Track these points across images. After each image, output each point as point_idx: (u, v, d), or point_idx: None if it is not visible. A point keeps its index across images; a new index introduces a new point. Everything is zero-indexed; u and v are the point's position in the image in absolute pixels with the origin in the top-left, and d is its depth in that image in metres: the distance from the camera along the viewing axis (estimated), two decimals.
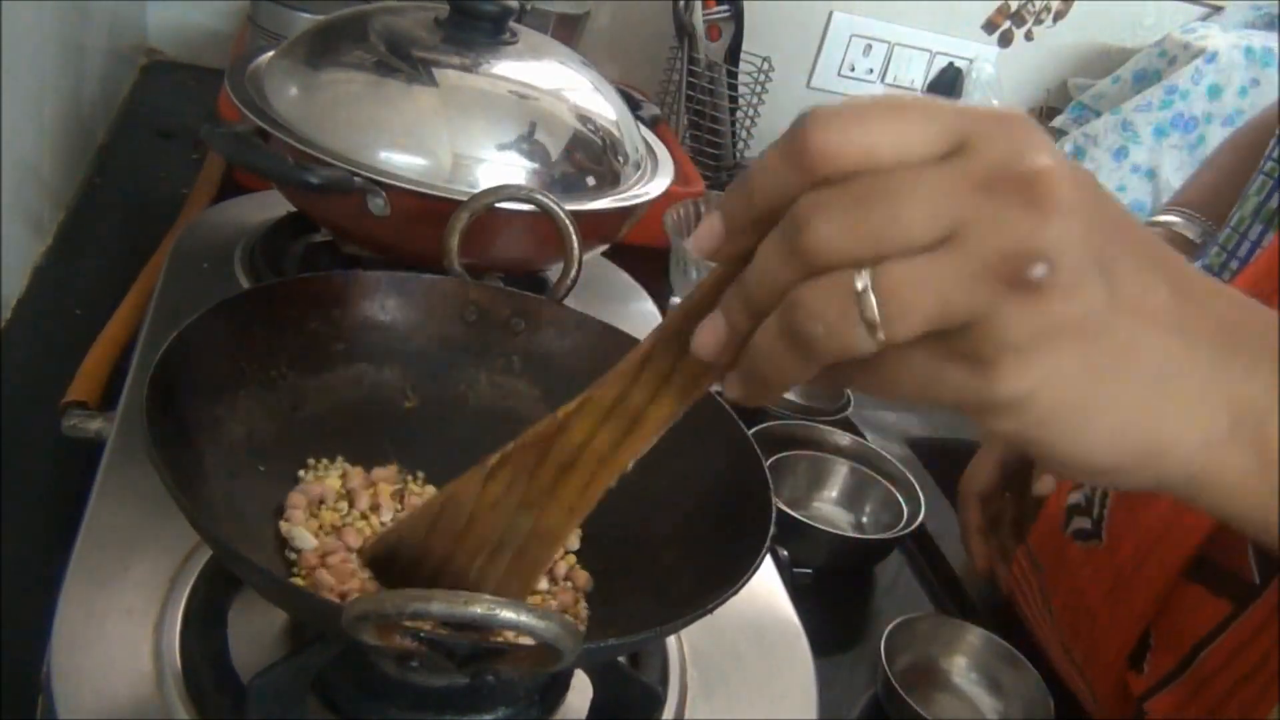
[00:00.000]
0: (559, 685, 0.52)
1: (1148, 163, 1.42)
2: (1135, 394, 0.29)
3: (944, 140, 0.28)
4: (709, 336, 0.30)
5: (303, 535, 0.52)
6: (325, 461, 0.57)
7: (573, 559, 0.55)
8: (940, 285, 0.27)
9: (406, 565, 0.44)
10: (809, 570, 0.70)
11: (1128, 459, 0.30)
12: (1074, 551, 0.68)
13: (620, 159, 0.78)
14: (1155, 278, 0.30)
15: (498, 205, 0.66)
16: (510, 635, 0.39)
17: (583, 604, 0.54)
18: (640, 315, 0.90)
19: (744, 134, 1.46)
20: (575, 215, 0.66)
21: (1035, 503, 0.73)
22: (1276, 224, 0.69)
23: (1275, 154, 0.71)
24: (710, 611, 0.43)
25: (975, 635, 0.68)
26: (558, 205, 0.65)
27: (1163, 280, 0.30)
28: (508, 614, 0.36)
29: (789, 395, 0.92)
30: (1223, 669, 0.55)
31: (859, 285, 0.27)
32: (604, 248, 0.83)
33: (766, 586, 0.63)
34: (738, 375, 0.31)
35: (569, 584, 0.54)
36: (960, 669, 0.68)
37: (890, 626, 0.65)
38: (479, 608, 0.35)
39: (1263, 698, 0.52)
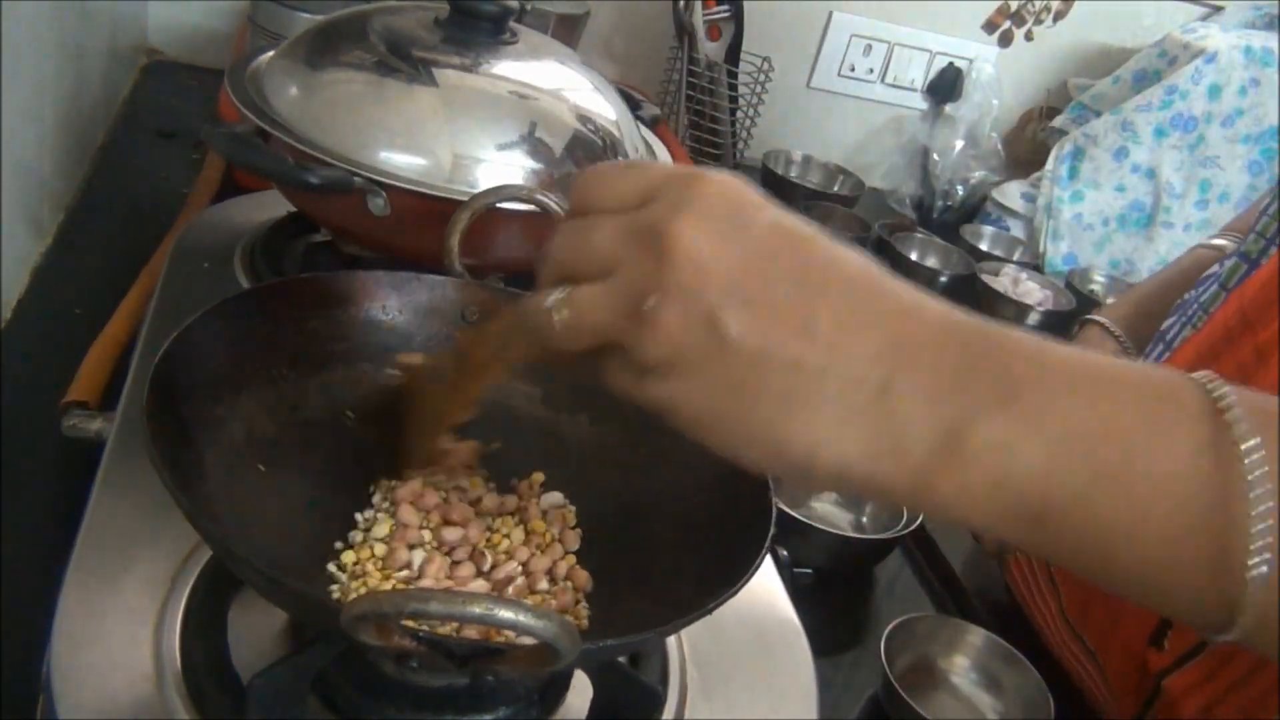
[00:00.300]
0: (559, 685, 0.52)
1: (1148, 163, 1.42)
2: (765, 409, 0.34)
3: (639, 194, 0.36)
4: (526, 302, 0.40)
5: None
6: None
7: (572, 559, 0.55)
8: (597, 310, 0.35)
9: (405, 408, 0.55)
10: (809, 570, 0.70)
11: (791, 466, 0.35)
12: None
13: (620, 159, 0.78)
14: (801, 308, 0.33)
15: (498, 205, 0.66)
16: (511, 635, 0.39)
17: (583, 604, 0.54)
18: None
19: (744, 134, 1.46)
20: None
21: None
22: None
23: None
24: (710, 612, 0.43)
25: (975, 635, 0.68)
26: (559, 205, 0.65)
27: (816, 311, 0.34)
28: (506, 614, 0.36)
29: None
30: (1240, 650, 0.55)
31: (550, 302, 0.36)
32: None
33: (766, 586, 0.63)
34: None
35: (569, 584, 0.54)
36: (960, 669, 0.68)
37: (890, 626, 0.65)
38: (477, 608, 0.35)
39: None
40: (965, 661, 0.68)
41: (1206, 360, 0.63)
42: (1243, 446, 0.31)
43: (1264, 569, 0.31)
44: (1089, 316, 0.91)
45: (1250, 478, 0.31)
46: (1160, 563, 0.33)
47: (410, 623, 0.39)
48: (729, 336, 0.33)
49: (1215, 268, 0.79)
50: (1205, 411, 0.32)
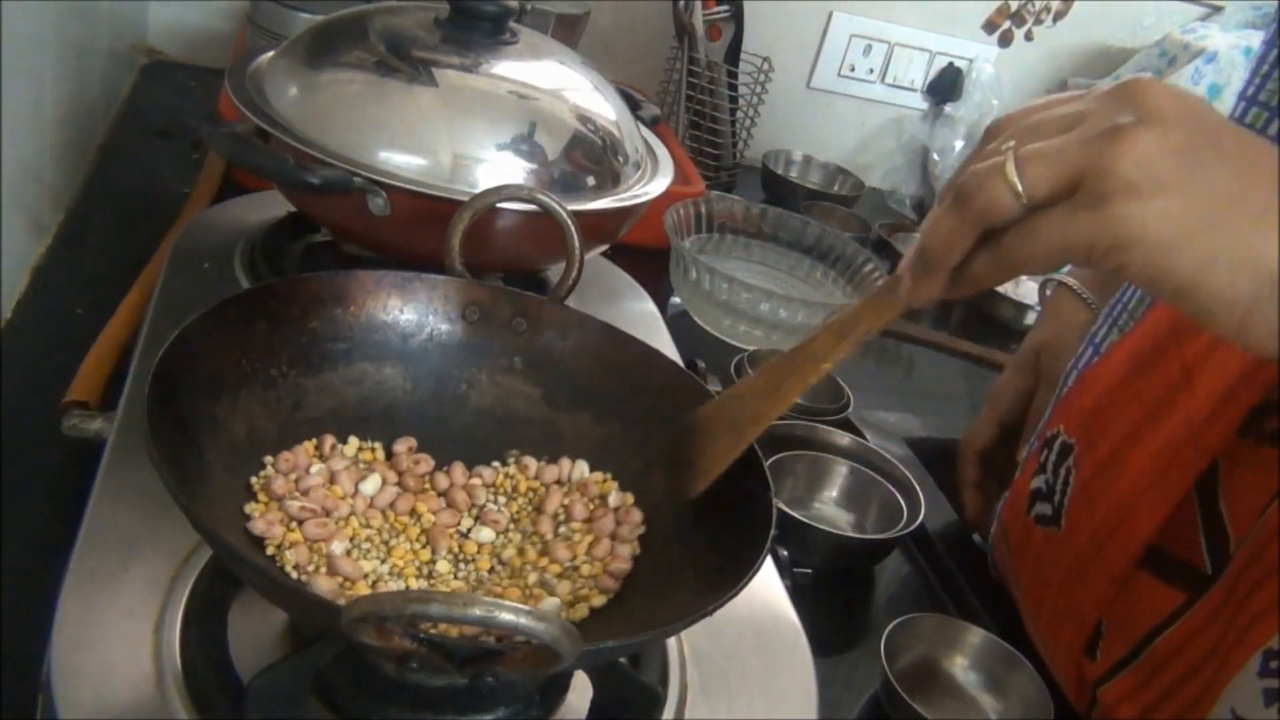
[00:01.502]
0: (559, 685, 0.52)
1: None
2: (1245, 223, 0.36)
3: (1081, 95, 0.39)
4: (904, 263, 0.43)
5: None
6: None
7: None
8: (1062, 150, 0.36)
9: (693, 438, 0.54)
10: (809, 570, 0.70)
11: (1250, 284, 0.37)
12: (1037, 535, 0.69)
13: (620, 159, 0.78)
14: (1255, 144, 0.38)
15: (499, 205, 0.66)
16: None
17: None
18: (640, 315, 0.90)
19: (744, 134, 1.46)
20: (576, 215, 0.66)
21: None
22: None
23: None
24: (711, 613, 0.43)
25: (975, 635, 0.68)
26: (559, 205, 0.65)
27: (1263, 154, 0.38)
28: (506, 616, 0.36)
29: None
30: (1174, 657, 0.57)
31: (1007, 154, 0.37)
32: (604, 248, 0.83)
33: (766, 586, 0.63)
34: (912, 267, 0.42)
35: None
36: (960, 669, 0.68)
37: (890, 626, 0.65)
38: (478, 609, 0.36)
39: (1211, 685, 0.54)
40: (965, 661, 0.68)
41: (1137, 372, 0.63)
42: None
43: None
44: (1058, 279, 0.92)
45: None
46: None
47: (410, 624, 0.39)
48: (1208, 163, 0.36)
49: None
50: None
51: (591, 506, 0.57)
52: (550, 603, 0.52)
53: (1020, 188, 0.37)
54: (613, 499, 0.57)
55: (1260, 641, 0.51)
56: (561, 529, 0.56)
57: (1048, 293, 0.94)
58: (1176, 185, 0.36)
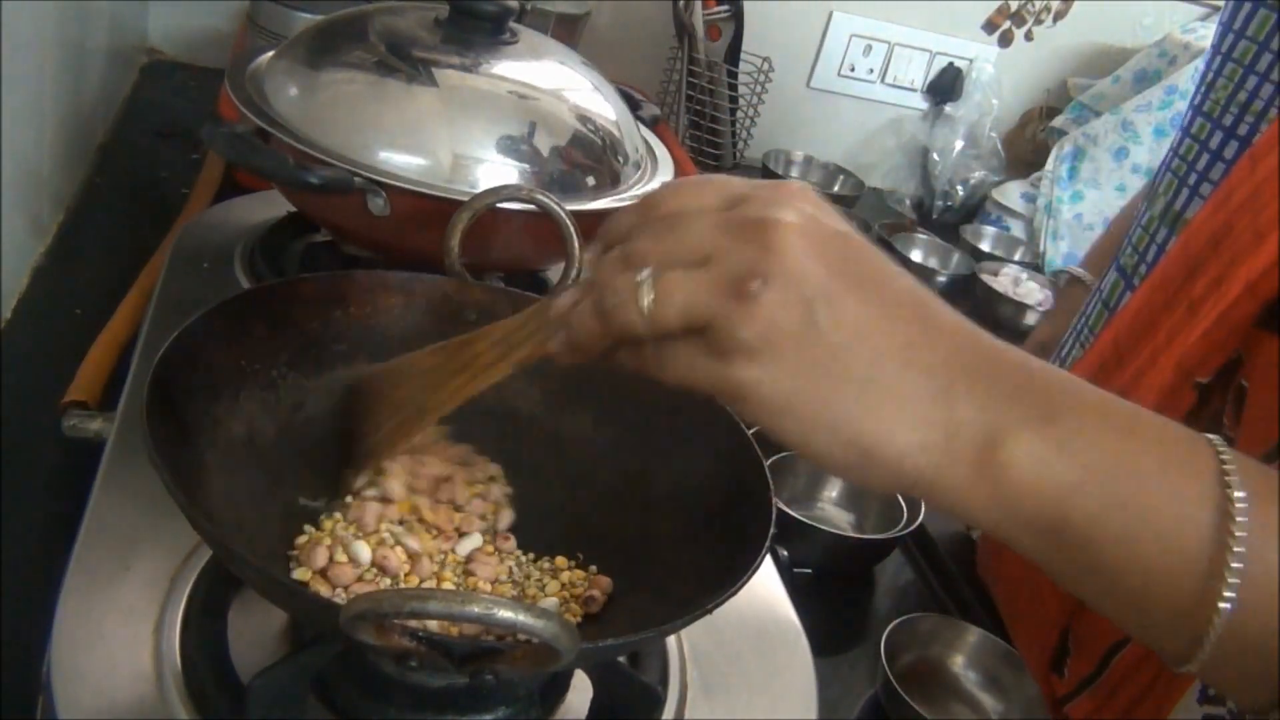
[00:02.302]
0: (559, 685, 0.52)
1: (1148, 163, 1.42)
2: (844, 397, 0.36)
3: (730, 198, 0.38)
4: (562, 301, 0.42)
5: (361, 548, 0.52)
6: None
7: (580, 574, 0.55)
8: (692, 289, 0.36)
9: (364, 404, 0.55)
10: (809, 570, 0.70)
11: (847, 453, 0.37)
12: (1009, 552, 0.69)
13: (620, 159, 0.78)
14: (882, 311, 0.37)
15: (498, 205, 0.66)
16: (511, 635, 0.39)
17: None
18: None
19: (744, 134, 1.46)
20: (576, 215, 0.66)
21: None
22: (1178, 227, 0.69)
23: (1181, 150, 0.71)
24: (710, 611, 0.43)
25: (975, 635, 0.68)
26: (559, 205, 0.65)
27: (895, 316, 0.37)
28: (505, 613, 0.36)
29: None
30: (1129, 677, 0.57)
31: (641, 278, 0.37)
32: None
33: (766, 586, 0.63)
34: (563, 336, 0.42)
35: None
36: (960, 669, 0.68)
37: (890, 626, 0.65)
38: (476, 607, 0.36)
39: (1161, 708, 0.54)
40: (965, 661, 0.68)
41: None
42: (1235, 495, 0.35)
43: (1228, 607, 0.35)
44: (1069, 271, 0.92)
45: (1235, 526, 0.35)
46: (1147, 591, 0.36)
47: (409, 622, 0.39)
48: (823, 325, 0.36)
49: (1099, 283, 0.79)
50: (1211, 468, 0.36)
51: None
52: (549, 601, 0.52)
53: (649, 314, 0.37)
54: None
55: None
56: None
57: (1060, 284, 0.94)
58: (787, 352, 0.36)
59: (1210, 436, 0.37)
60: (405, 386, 0.52)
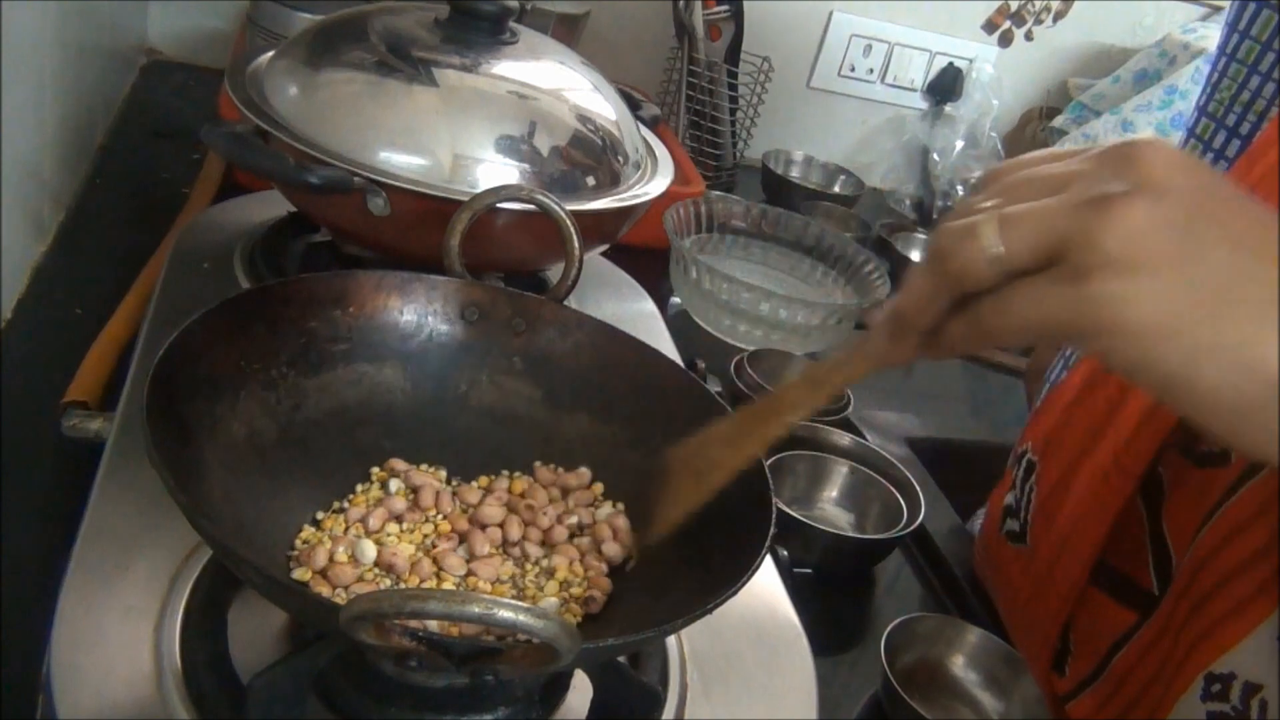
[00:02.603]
0: (559, 685, 0.52)
1: None
2: (1242, 316, 0.32)
3: (1079, 151, 0.35)
4: (892, 302, 0.38)
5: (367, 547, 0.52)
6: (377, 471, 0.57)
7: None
8: (1045, 214, 0.33)
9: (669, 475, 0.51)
10: (809, 570, 0.70)
11: (1247, 384, 0.32)
12: (1007, 552, 0.69)
13: (620, 159, 0.78)
14: (1260, 226, 0.33)
15: (498, 205, 0.66)
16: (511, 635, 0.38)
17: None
18: (640, 315, 0.90)
19: (744, 134, 1.46)
20: (576, 215, 0.66)
21: None
22: None
23: (1185, 149, 0.71)
24: (710, 611, 0.43)
25: (975, 635, 0.68)
26: (559, 205, 0.65)
27: (1270, 229, 0.33)
28: (505, 613, 0.36)
29: None
30: (1129, 676, 0.57)
31: (984, 215, 0.34)
32: (604, 248, 0.83)
33: (766, 586, 0.63)
34: (886, 324, 0.38)
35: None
36: (960, 669, 0.68)
37: (890, 626, 0.65)
38: (476, 607, 0.35)
39: (1160, 707, 0.53)
40: (965, 661, 0.68)
41: (1087, 390, 0.63)
42: None
43: None
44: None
45: None
46: None
47: (409, 622, 0.39)
48: (1207, 240, 0.32)
49: None
50: None
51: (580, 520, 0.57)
52: (549, 601, 0.52)
53: (997, 251, 0.34)
54: (601, 512, 0.57)
55: (1203, 664, 0.50)
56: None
57: None
58: (1167, 265, 0.32)
59: None
60: (699, 450, 0.50)
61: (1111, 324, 0.32)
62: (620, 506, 0.58)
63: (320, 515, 0.54)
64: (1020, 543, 0.67)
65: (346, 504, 0.55)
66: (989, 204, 0.35)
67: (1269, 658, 0.48)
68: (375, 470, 0.57)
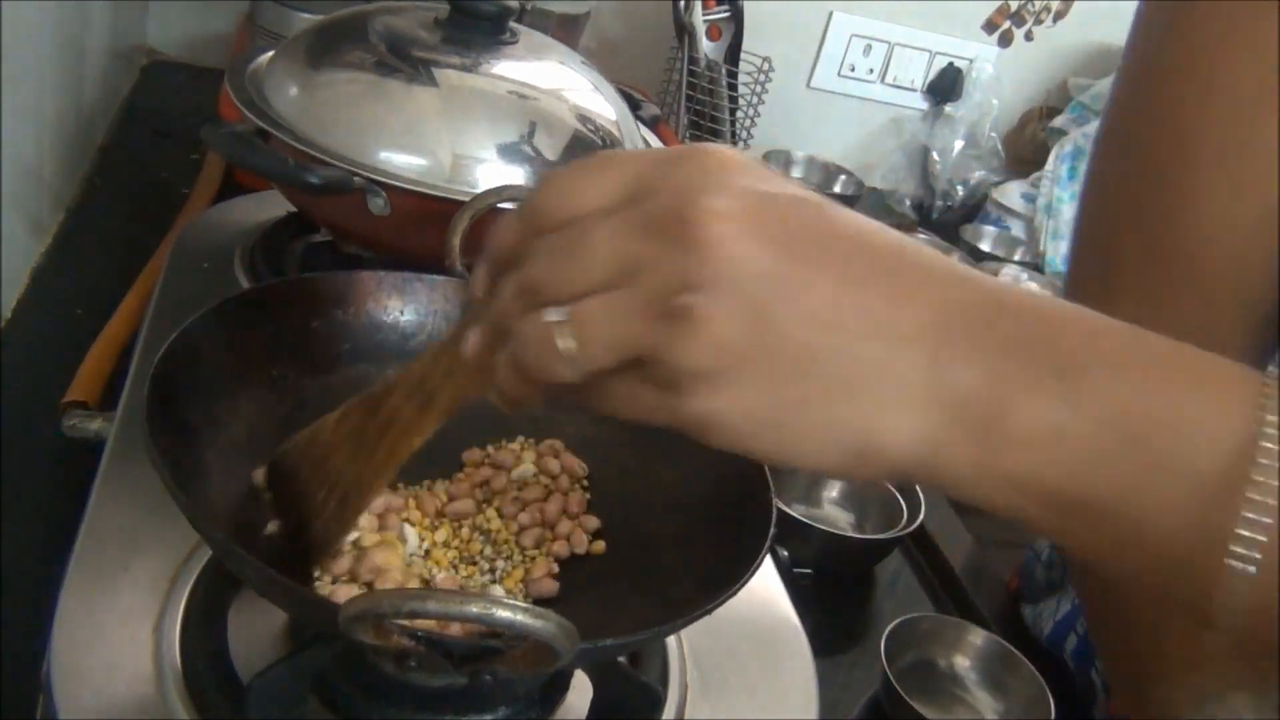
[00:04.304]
0: (559, 685, 0.52)
1: None
2: (829, 399, 0.31)
3: (625, 188, 0.32)
4: (469, 346, 0.36)
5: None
6: None
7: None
8: (616, 319, 0.31)
9: (290, 483, 0.48)
10: (809, 570, 0.70)
11: (844, 459, 0.32)
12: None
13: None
14: (848, 285, 0.31)
15: (499, 205, 0.66)
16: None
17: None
18: None
19: (744, 134, 1.46)
20: None
21: None
22: None
23: None
24: (710, 611, 0.43)
25: (975, 635, 0.68)
26: None
27: (865, 284, 0.31)
28: (503, 613, 0.36)
29: None
30: None
31: (555, 319, 0.31)
32: None
33: (766, 586, 0.63)
34: (493, 389, 0.35)
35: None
36: (960, 669, 0.68)
37: (890, 626, 0.65)
38: (475, 607, 0.35)
39: None
40: (965, 661, 0.68)
41: None
42: (1267, 419, 0.30)
43: (1242, 565, 0.30)
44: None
45: (1258, 455, 0.29)
46: (1168, 553, 0.31)
47: (408, 622, 0.39)
48: (779, 327, 0.30)
49: None
50: (1250, 403, 0.30)
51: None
52: (497, 589, 0.52)
53: (577, 360, 0.32)
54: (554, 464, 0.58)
55: None
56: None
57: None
58: (748, 368, 0.30)
59: (1266, 373, 0.31)
60: (331, 458, 0.46)
61: (708, 429, 0.32)
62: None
63: None
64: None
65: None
66: (548, 284, 0.32)
67: None
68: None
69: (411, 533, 0.53)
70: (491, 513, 0.57)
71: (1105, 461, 0.30)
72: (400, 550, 0.52)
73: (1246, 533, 0.29)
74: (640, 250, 0.31)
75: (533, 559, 0.55)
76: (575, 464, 0.59)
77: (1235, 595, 0.30)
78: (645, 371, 0.31)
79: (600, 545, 0.55)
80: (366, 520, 0.53)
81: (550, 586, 0.53)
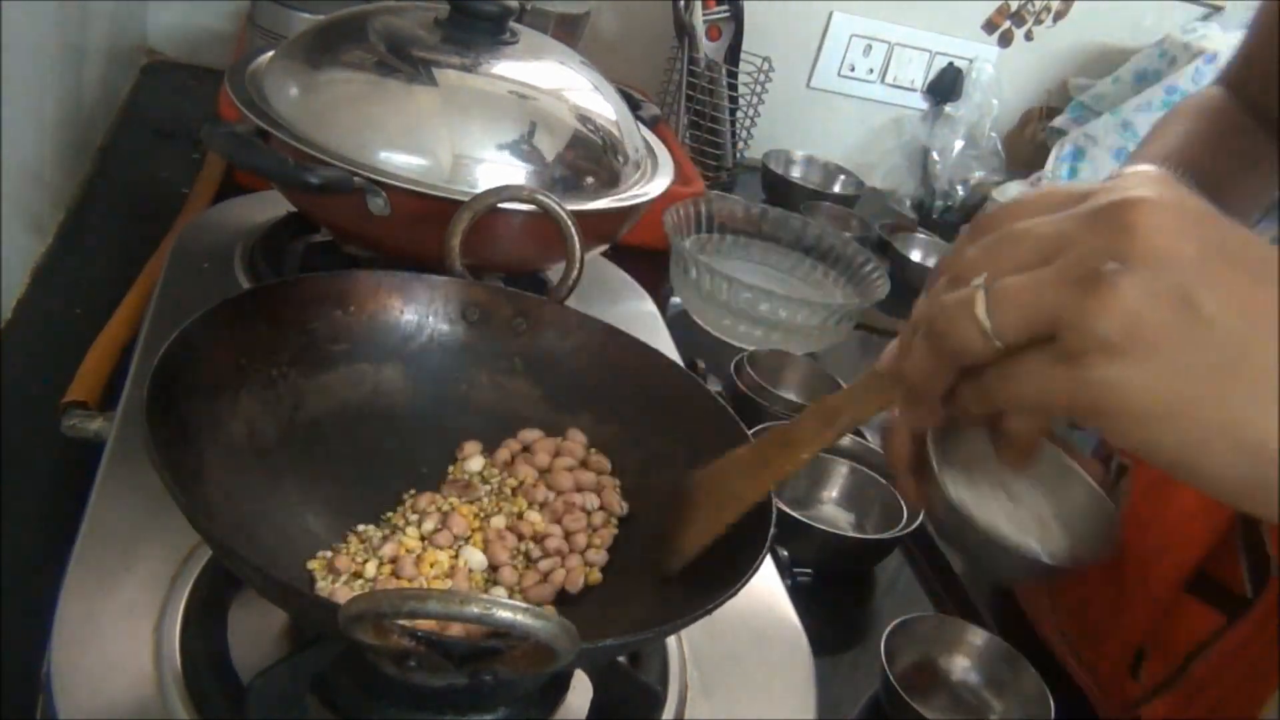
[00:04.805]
0: (559, 685, 0.52)
1: None
2: (1244, 395, 0.30)
3: (1075, 195, 0.33)
4: (885, 355, 0.39)
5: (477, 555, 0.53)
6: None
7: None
8: (1035, 290, 0.32)
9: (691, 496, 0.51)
10: (809, 570, 0.70)
11: (1251, 465, 0.31)
12: (1068, 585, 0.68)
13: (620, 159, 0.78)
14: (1268, 289, 0.31)
15: (499, 205, 0.66)
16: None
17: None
18: (640, 315, 0.90)
19: (744, 134, 1.46)
20: (576, 215, 0.66)
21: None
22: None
23: None
24: (710, 612, 0.43)
25: (975, 635, 0.68)
26: (559, 205, 0.65)
27: (1271, 276, 0.31)
28: (503, 613, 0.36)
29: (789, 395, 0.92)
30: (1213, 679, 0.56)
31: (977, 291, 0.33)
32: (604, 248, 0.83)
33: (766, 586, 0.63)
34: (901, 390, 0.38)
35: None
36: (960, 669, 0.68)
37: (890, 627, 0.65)
38: (475, 607, 0.35)
39: (1249, 706, 0.53)
40: (966, 662, 0.68)
41: None
42: None
43: None
44: (1133, 168, 0.88)
45: None
46: None
47: (408, 622, 0.39)
48: (1206, 313, 0.30)
49: None
50: None
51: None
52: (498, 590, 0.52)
53: (990, 331, 0.33)
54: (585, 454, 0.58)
55: None
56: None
57: (1113, 175, 0.91)
58: (1162, 347, 0.30)
59: None
60: (720, 480, 0.50)
61: (1108, 408, 0.31)
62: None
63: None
64: None
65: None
66: (979, 266, 0.34)
67: None
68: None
69: (474, 552, 0.53)
70: (530, 512, 0.56)
71: None
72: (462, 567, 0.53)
73: None
74: (1072, 231, 0.32)
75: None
76: (615, 502, 0.57)
77: None
78: (1055, 348, 0.32)
79: (597, 575, 0.54)
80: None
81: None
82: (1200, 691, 0.57)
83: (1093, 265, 0.31)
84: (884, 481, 0.80)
